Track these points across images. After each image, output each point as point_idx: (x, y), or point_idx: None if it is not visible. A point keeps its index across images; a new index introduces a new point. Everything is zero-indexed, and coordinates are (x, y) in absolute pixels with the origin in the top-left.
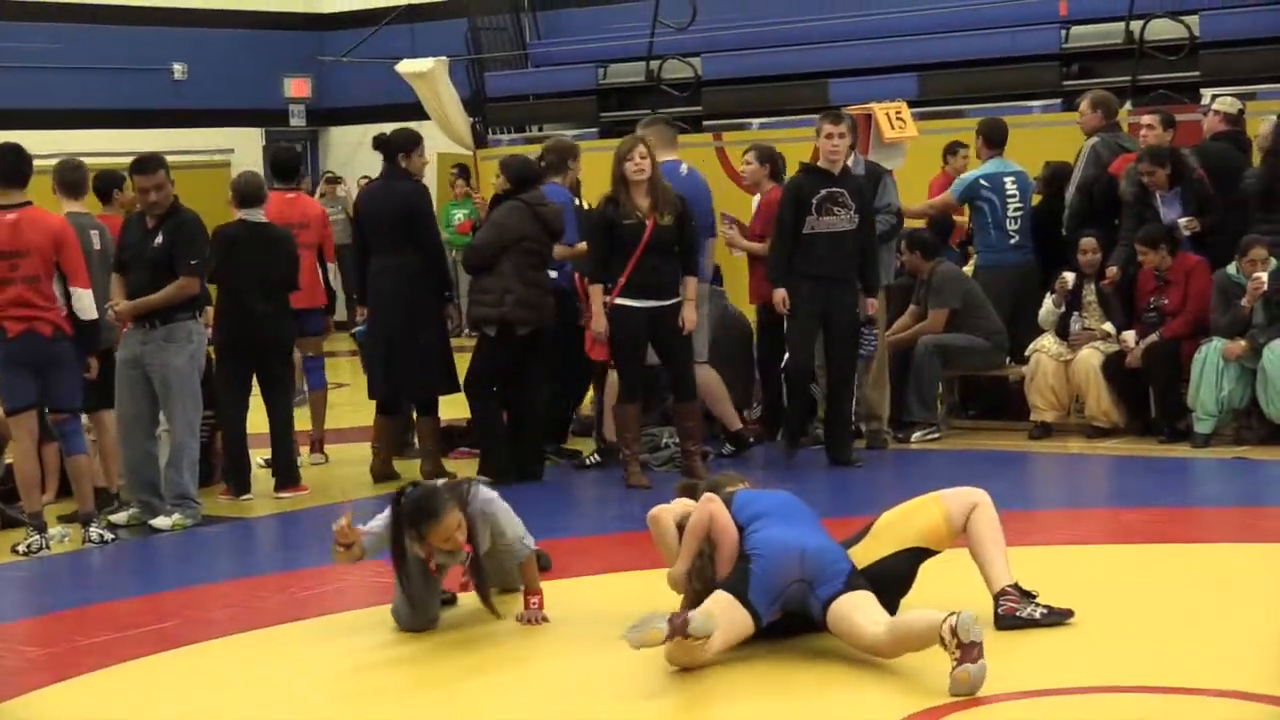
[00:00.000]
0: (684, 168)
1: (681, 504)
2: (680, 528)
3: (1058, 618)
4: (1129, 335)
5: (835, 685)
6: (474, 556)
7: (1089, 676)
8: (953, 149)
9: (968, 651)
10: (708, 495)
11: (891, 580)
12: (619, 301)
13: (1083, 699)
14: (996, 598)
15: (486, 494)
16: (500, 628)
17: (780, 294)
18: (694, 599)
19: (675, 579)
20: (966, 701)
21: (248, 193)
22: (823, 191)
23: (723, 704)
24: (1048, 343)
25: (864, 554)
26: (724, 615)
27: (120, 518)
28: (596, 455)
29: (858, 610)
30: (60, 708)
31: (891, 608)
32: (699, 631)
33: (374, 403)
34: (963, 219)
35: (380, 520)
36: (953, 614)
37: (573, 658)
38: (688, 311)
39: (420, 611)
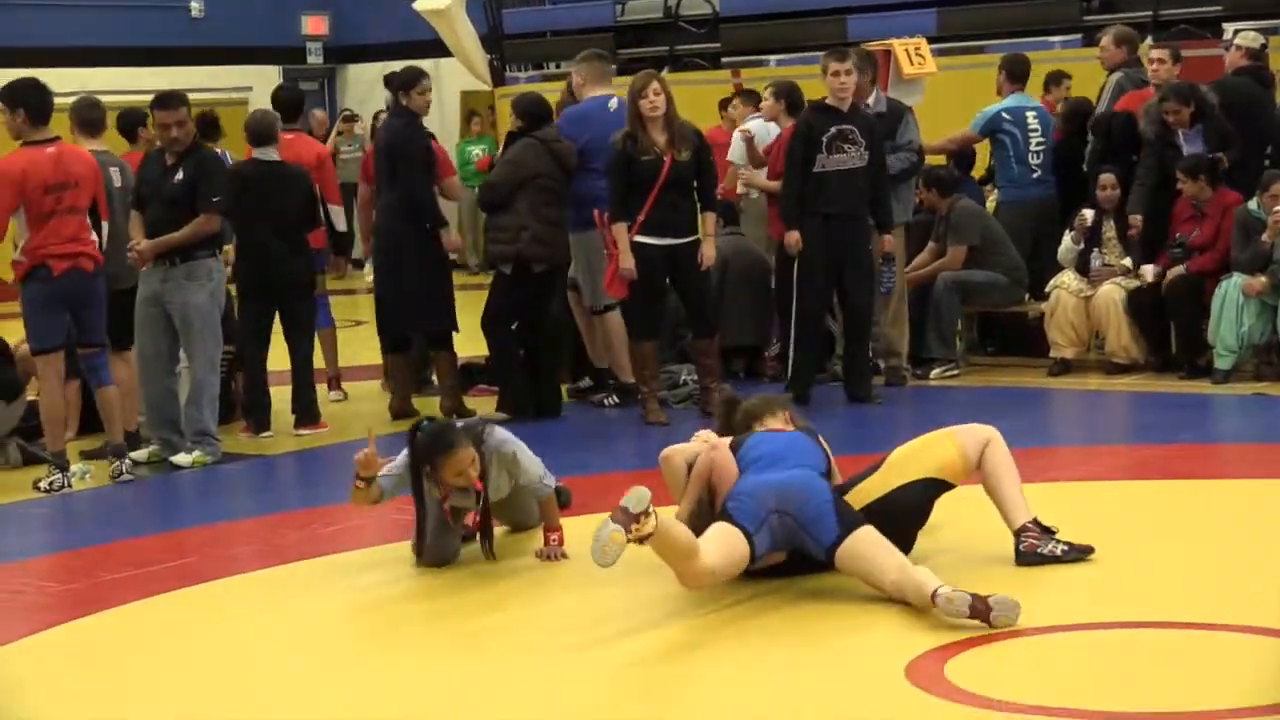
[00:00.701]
0: (613, 103)
1: (694, 445)
2: (691, 468)
3: (1078, 554)
4: (1148, 270)
5: (847, 621)
6: (484, 498)
7: (1107, 612)
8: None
9: (976, 611)
10: (714, 443)
11: (906, 511)
12: (636, 239)
13: (1101, 634)
14: (1017, 534)
15: (503, 434)
16: (520, 564)
17: (793, 236)
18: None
19: (680, 520)
20: (982, 638)
21: (259, 131)
22: (833, 129)
23: (733, 642)
24: (1068, 279)
25: (876, 486)
26: (718, 535)
27: (140, 455)
28: (614, 396)
29: (873, 553)
30: (82, 643)
31: (908, 539)
32: (637, 505)
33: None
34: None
35: (398, 461)
36: (938, 591)
37: (590, 592)
38: (707, 248)
39: (440, 548)
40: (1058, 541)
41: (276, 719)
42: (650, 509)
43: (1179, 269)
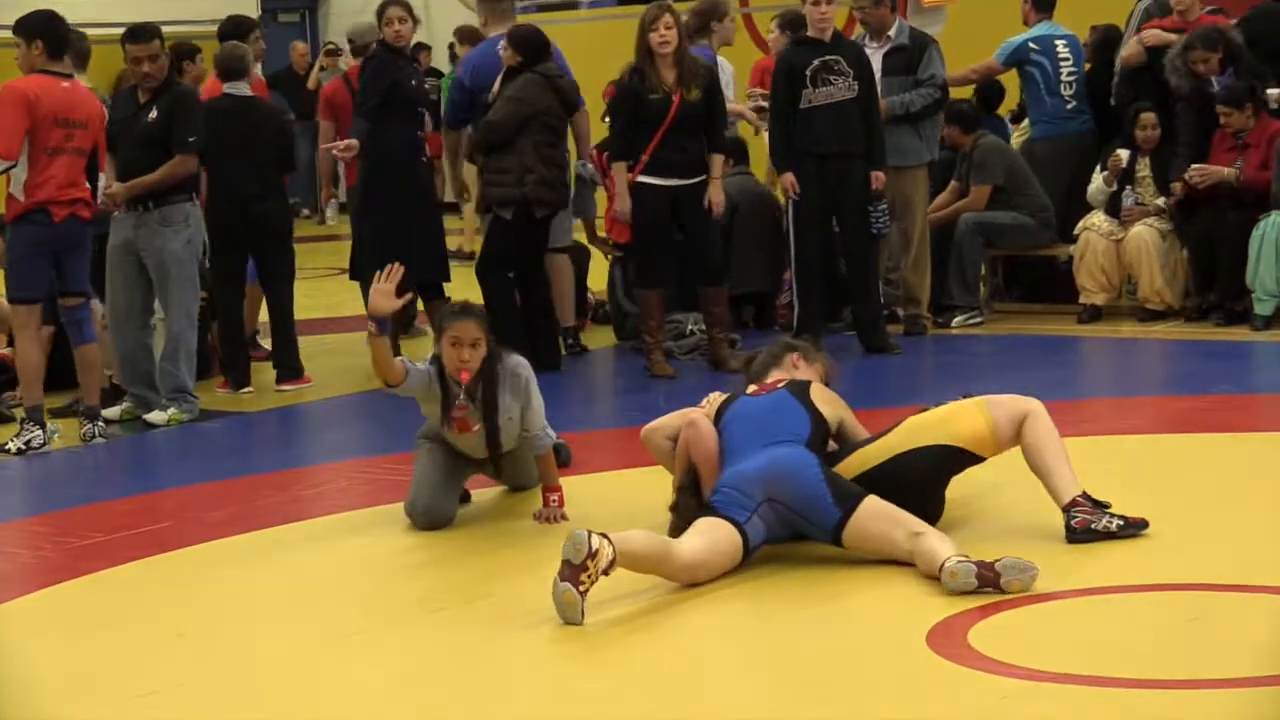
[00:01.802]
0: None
1: (672, 419)
2: (674, 441)
3: (1133, 529)
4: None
5: (864, 585)
6: (489, 403)
7: (1139, 575)
8: None
9: (984, 579)
10: (691, 419)
11: (909, 478)
12: (640, 179)
13: (1133, 598)
14: (1067, 509)
15: (520, 359)
16: (518, 526)
17: (788, 178)
18: (684, 521)
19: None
20: (1006, 602)
21: (230, 64)
22: (815, 61)
23: (746, 611)
24: (1097, 220)
25: (882, 449)
26: (703, 528)
27: (113, 412)
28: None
29: (881, 528)
30: (52, 613)
31: (916, 511)
32: (576, 555)
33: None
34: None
35: (422, 363)
36: (944, 563)
37: None
38: (714, 191)
39: (435, 510)
40: (1112, 516)
41: (254, 692)
42: (594, 546)
43: (1230, 170)
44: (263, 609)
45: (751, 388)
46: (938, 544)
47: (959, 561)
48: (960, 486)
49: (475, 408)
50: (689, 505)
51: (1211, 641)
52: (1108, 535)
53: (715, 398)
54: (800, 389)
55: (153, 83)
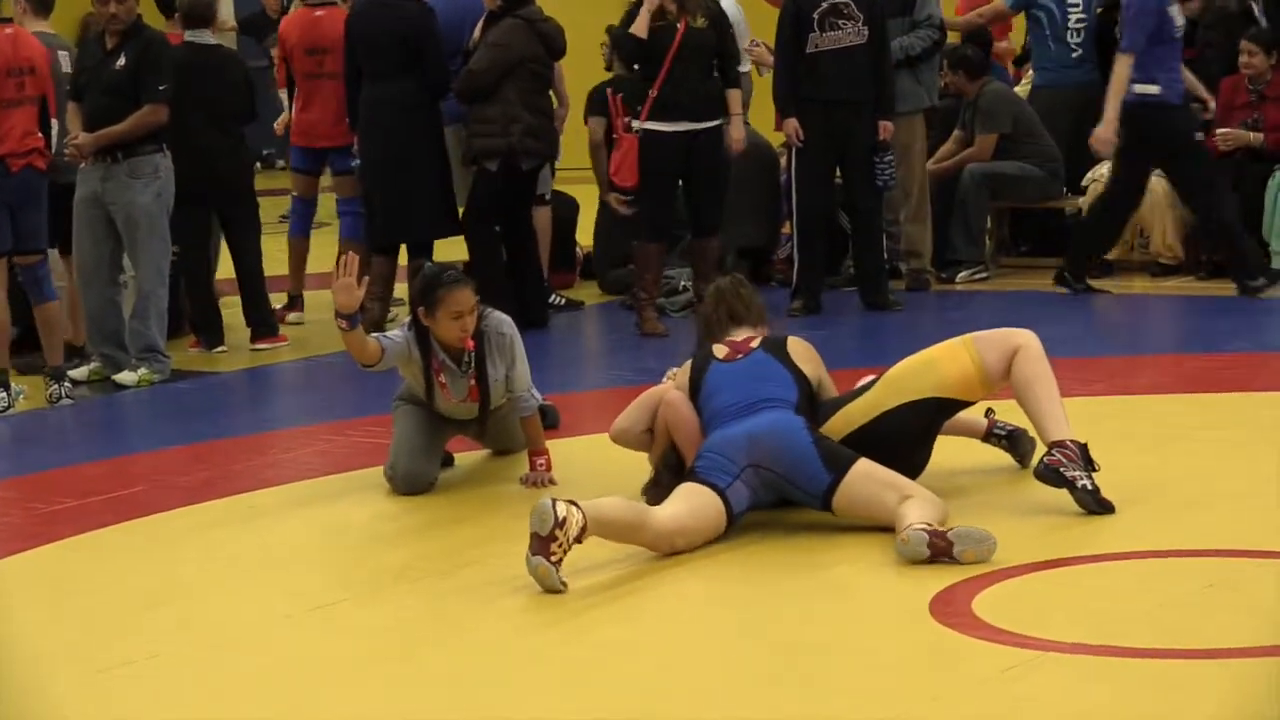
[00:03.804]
0: None
1: (640, 409)
2: (650, 431)
3: (1099, 507)
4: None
5: (864, 552)
6: (479, 365)
7: (1149, 540)
8: None
9: (936, 549)
10: (668, 398)
11: (895, 439)
12: (647, 126)
13: (1142, 564)
14: (1050, 448)
15: (502, 317)
16: (504, 491)
17: (791, 125)
18: (664, 493)
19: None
20: (1011, 570)
21: (193, 10)
22: (824, 4)
23: (740, 582)
24: (1108, 171)
25: (863, 410)
26: (682, 494)
27: (81, 373)
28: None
29: (871, 492)
30: (19, 581)
31: (904, 468)
32: (543, 526)
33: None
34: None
35: (398, 330)
36: (905, 531)
37: None
38: (734, 129)
39: (415, 474)
40: (1089, 476)
41: (229, 662)
42: (561, 515)
43: (1256, 135)
44: (238, 577)
45: (722, 350)
46: (913, 510)
47: (913, 529)
48: (974, 456)
49: (460, 371)
50: (670, 486)
51: (1226, 609)
52: (1070, 489)
53: (679, 371)
54: (777, 347)
55: (119, 25)
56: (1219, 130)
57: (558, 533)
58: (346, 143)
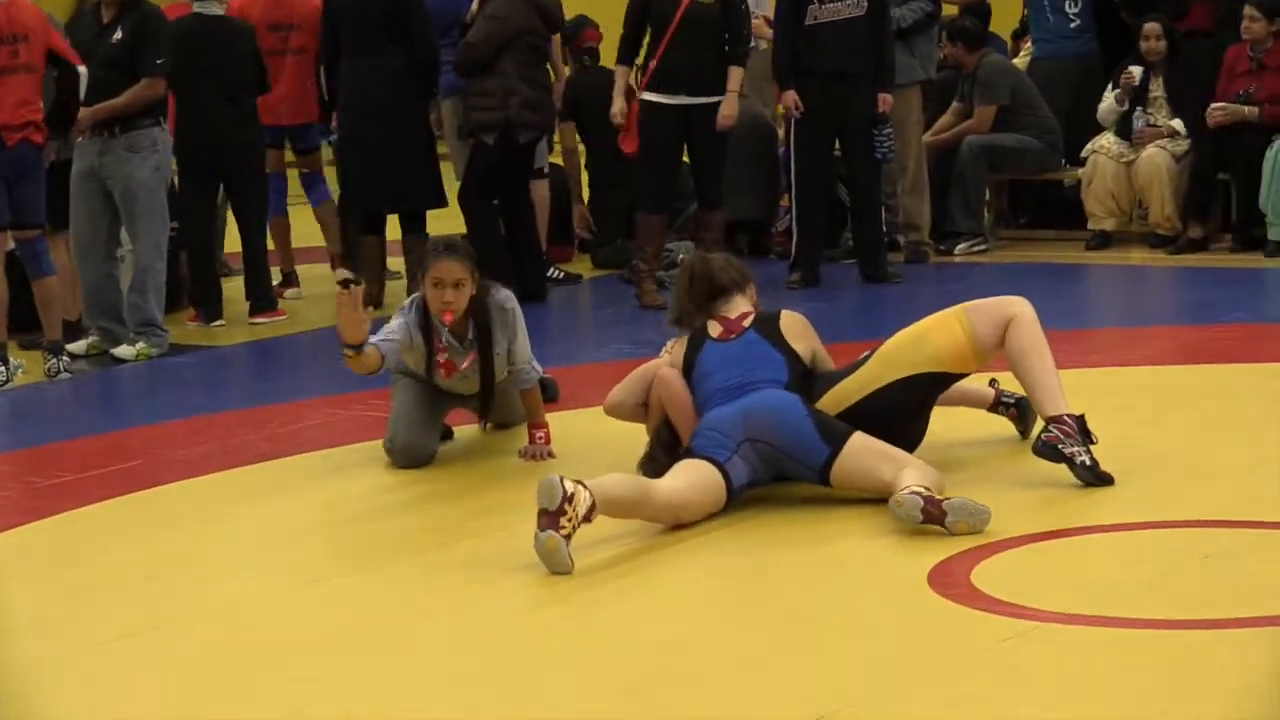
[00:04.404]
0: None
1: (634, 382)
2: (644, 405)
3: (1097, 479)
4: (1215, 107)
5: (862, 524)
6: (484, 341)
7: (1148, 511)
8: None
9: (929, 515)
10: (661, 377)
11: (890, 415)
12: (646, 97)
13: (1141, 535)
14: (1047, 423)
15: (508, 294)
16: (503, 466)
17: (790, 97)
18: (660, 469)
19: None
20: (1010, 541)
21: None
22: None
23: (737, 554)
24: (1107, 142)
25: (857, 386)
26: (682, 468)
27: (79, 347)
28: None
29: (868, 464)
30: (18, 555)
31: (900, 442)
32: (550, 502)
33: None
34: None
35: (395, 319)
36: (900, 493)
37: None
38: (727, 104)
39: (414, 448)
40: (1088, 451)
41: (227, 636)
42: (568, 491)
43: (1251, 109)
44: (237, 550)
45: (716, 328)
46: (909, 476)
47: (909, 493)
48: (972, 428)
49: (462, 348)
50: (664, 465)
51: (1225, 580)
52: (1069, 464)
53: (675, 344)
54: (769, 327)
55: None
56: (1214, 105)
57: (566, 507)
58: (310, 120)
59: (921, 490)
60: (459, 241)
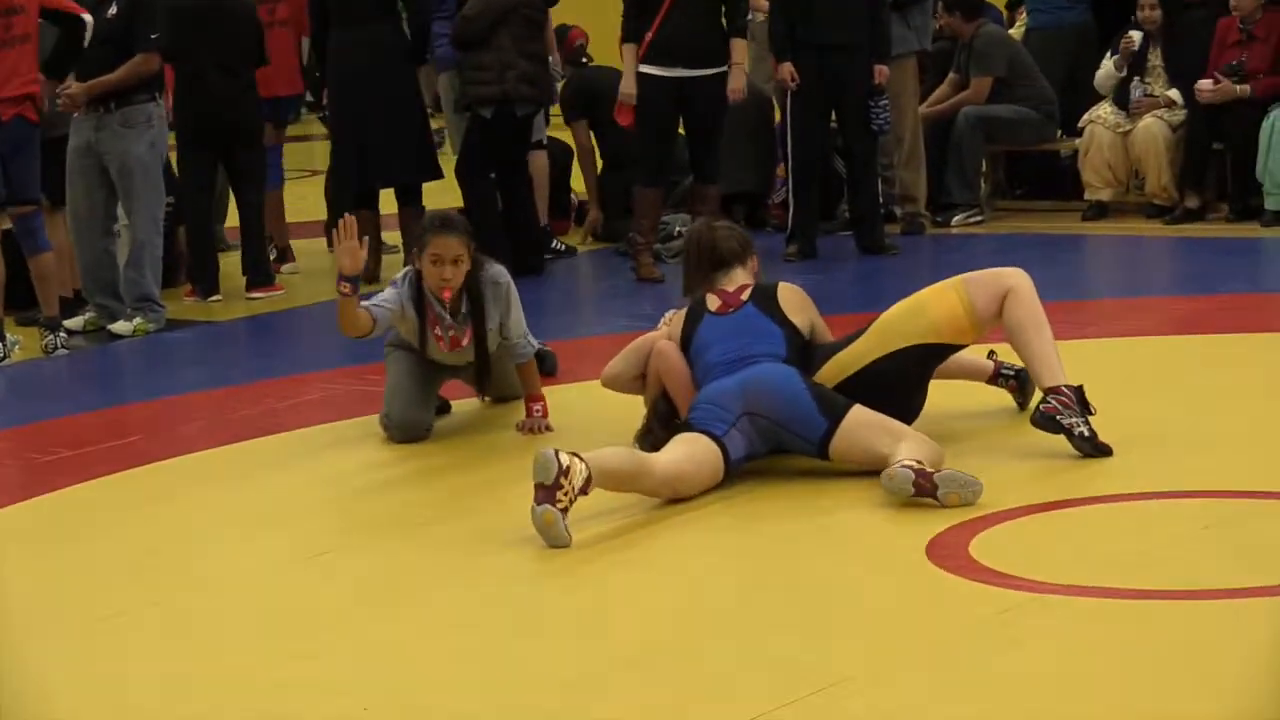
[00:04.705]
0: None
1: (631, 355)
2: (641, 378)
3: (1096, 451)
4: (1204, 84)
5: (860, 497)
6: (478, 316)
7: (1146, 482)
8: None
9: (920, 488)
10: (658, 350)
11: (888, 385)
12: (643, 69)
13: (1141, 505)
14: (1045, 394)
15: (500, 269)
16: (500, 440)
17: (786, 69)
18: (657, 443)
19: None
20: (1008, 512)
21: None
22: None
23: (731, 528)
24: (1104, 112)
25: (857, 355)
26: (680, 442)
27: (76, 323)
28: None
29: (868, 438)
30: (16, 531)
31: (899, 417)
32: (546, 476)
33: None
34: None
35: (388, 290)
36: (892, 466)
37: None
38: (734, 78)
39: (410, 422)
40: (1086, 422)
41: (226, 611)
42: (564, 465)
43: (1243, 87)
44: (235, 525)
45: (714, 301)
46: (904, 449)
47: (900, 467)
48: (971, 399)
49: (455, 322)
50: (662, 438)
51: (1224, 549)
52: (1068, 436)
53: (674, 315)
54: (767, 300)
55: None
56: (1202, 83)
57: (563, 480)
58: (292, 92)
59: (913, 464)
60: (456, 217)
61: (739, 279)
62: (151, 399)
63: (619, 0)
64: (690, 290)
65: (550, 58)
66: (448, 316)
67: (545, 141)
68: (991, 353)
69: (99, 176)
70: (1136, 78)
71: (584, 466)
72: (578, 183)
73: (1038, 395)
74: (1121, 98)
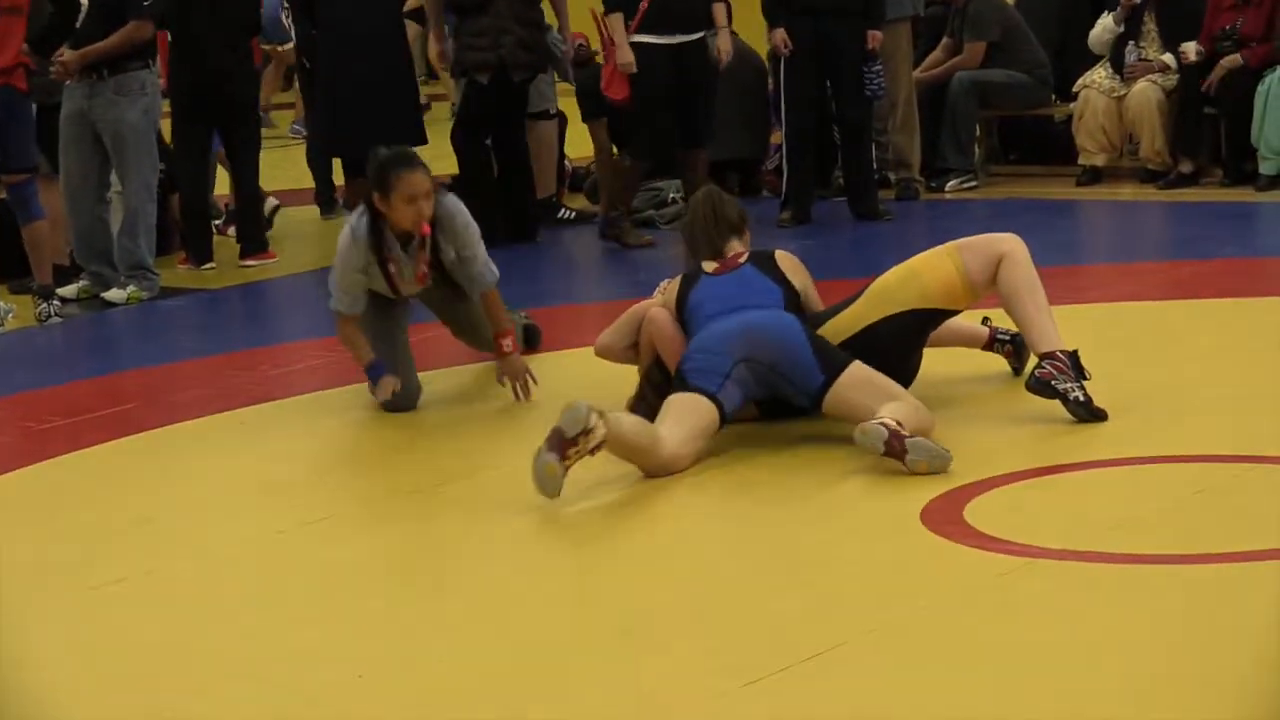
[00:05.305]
0: None
1: (625, 323)
2: (634, 347)
3: (1091, 415)
4: (1189, 47)
5: (853, 464)
6: (434, 248)
7: (1141, 447)
8: None
9: (890, 449)
10: (650, 316)
11: (884, 348)
12: (640, 39)
13: (1135, 470)
14: (1040, 359)
15: (456, 201)
16: (492, 405)
17: (779, 35)
18: (650, 410)
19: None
20: (1002, 478)
21: None
22: None
23: (721, 495)
24: (1099, 77)
25: (851, 320)
26: (678, 409)
27: (69, 291)
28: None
29: (863, 394)
30: (12, 499)
31: (896, 379)
32: (573, 427)
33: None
34: None
35: (340, 258)
36: (869, 422)
37: None
38: (722, 40)
39: (412, 376)
40: (1081, 387)
41: (222, 579)
42: (590, 425)
43: (1233, 58)
44: (230, 493)
45: (711, 265)
46: (888, 409)
47: (876, 423)
48: (965, 365)
49: (409, 254)
50: (655, 405)
51: (1218, 514)
52: (1063, 401)
53: (669, 284)
54: (765, 261)
55: None
56: (1186, 45)
57: (580, 440)
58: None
59: (890, 423)
60: (412, 151)
61: (735, 248)
62: (145, 367)
63: None
64: (695, 257)
65: (553, 29)
66: (400, 251)
67: (554, 111)
68: (986, 319)
69: (92, 144)
70: (1131, 42)
71: (604, 431)
72: (572, 149)
73: (1033, 360)
74: (1117, 60)
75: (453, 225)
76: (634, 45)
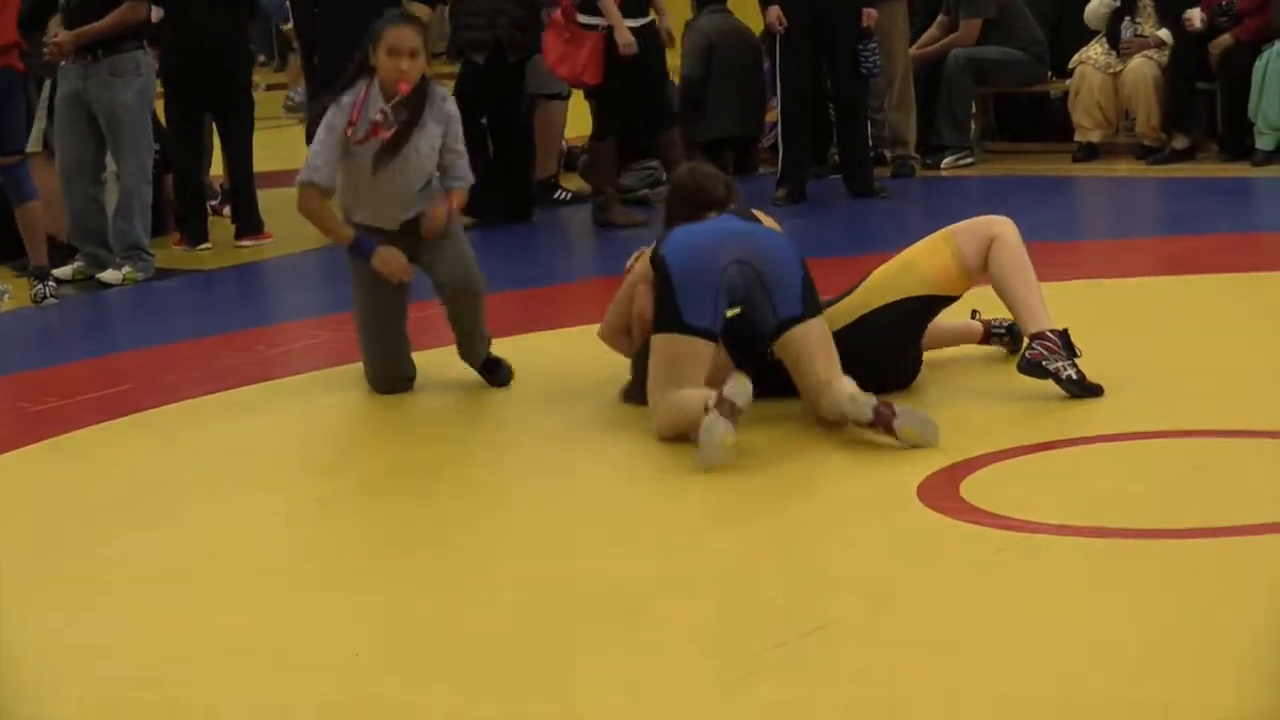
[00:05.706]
0: None
1: (619, 303)
2: (628, 332)
3: (1085, 392)
4: (1194, 13)
5: (848, 440)
6: (414, 120)
7: (1137, 422)
8: None
9: (879, 415)
10: (641, 289)
11: (883, 341)
12: (587, 20)
13: (1129, 446)
14: (1031, 340)
15: (450, 98)
16: (486, 389)
17: (774, 12)
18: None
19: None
20: (998, 454)
21: None
22: None
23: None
24: (1095, 53)
25: (849, 309)
26: (678, 361)
27: (65, 272)
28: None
29: (815, 348)
30: (7, 481)
31: (893, 370)
32: (745, 401)
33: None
34: None
35: (324, 127)
36: (854, 390)
37: (559, 416)
38: (663, 21)
39: (391, 376)
40: (1073, 364)
41: (220, 559)
42: (742, 405)
43: (1225, 37)
44: (228, 474)
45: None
46: (848, 383)
47: (861, 392)
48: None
49: (390, 121)
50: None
51: (1216, 489)
52: (1055, 380)
53: (641, 251)
54: (744, 215)
55: None
56: (1191, 11)
57: (738, 415)
58: None
59: (878, 400)
60: (412, 15)
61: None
62: (141, 348)
63: None
64: (670, 226)
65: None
66: (382, 104)
67: (567, 93)
68: (974, 312)
69: (87, 125)
70: (1127, 18)
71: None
72: (567, 130)
73: (1026, 342)
74: (1113, 36)
75: (444, 109)
76: (593, 28)
